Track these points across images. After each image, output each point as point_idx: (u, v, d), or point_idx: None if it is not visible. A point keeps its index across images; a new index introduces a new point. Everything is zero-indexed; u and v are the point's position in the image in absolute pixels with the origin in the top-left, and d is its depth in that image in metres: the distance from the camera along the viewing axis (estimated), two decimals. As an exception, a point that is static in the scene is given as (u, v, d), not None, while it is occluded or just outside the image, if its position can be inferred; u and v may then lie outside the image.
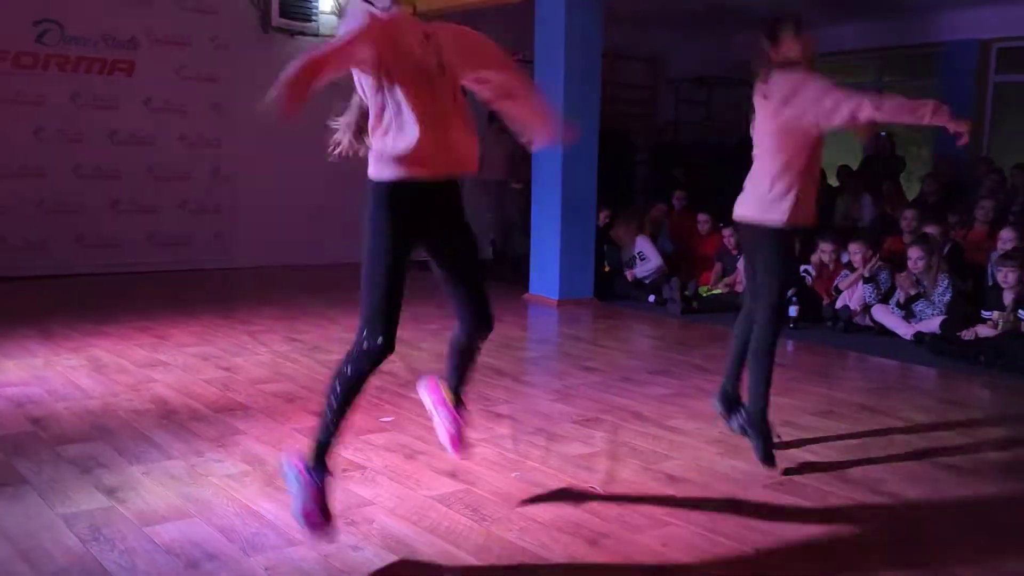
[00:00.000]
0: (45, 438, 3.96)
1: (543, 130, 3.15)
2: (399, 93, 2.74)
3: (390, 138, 2.76)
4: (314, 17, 9.53)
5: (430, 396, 3.32)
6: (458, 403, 3.30)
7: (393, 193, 2.79)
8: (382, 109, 2.77)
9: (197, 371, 5.22)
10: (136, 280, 8.61)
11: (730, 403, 4.15)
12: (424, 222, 2.87)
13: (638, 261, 8.42)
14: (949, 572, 2.91)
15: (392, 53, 2.71)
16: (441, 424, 3.25)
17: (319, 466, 2.84)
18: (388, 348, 2.78)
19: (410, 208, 2.81)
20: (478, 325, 3.11)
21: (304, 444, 3.10)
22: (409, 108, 2.73)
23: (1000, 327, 6.07)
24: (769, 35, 3.84)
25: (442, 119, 2.80)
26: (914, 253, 6.64)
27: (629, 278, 8.36)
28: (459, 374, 3.30)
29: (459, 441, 3.24)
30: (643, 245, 8.43)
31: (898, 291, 6.80)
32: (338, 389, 2.79)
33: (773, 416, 4.19)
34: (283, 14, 9.22)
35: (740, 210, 3.93)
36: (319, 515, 2.81)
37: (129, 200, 9.06)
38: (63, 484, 3.43)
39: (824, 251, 7.46)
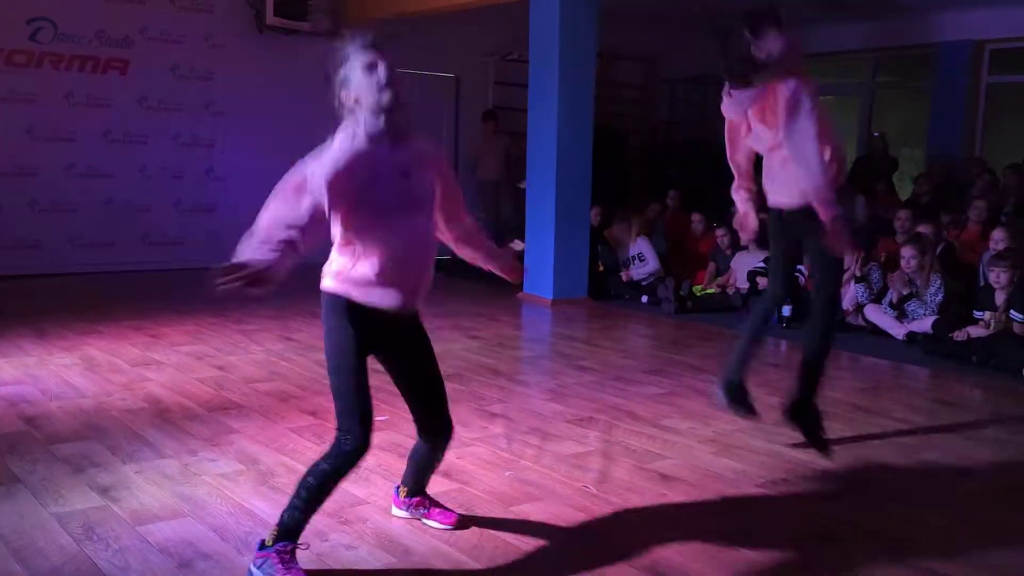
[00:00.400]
0: (38, 437, 3.95)
1: (505, 272, 3.11)
2: (352, 226, 2.67)
3: (346, 263, 2.71)
4: (310, 16, 9.51)
5: (407, 512, 3.23)
6: (419, 493, 3.20)
7: (350, 309, 2.74)
8: (338, 227, 2.70)
9: (191, 370, 5.22)
10: (130, 279, 8.60)
11: (743, 392, 4.15)
12: (381, 337, 2.83)
13: (636, 262, 8.39)
14: (940, 570, 2.93)
15: (340, 203, 2.62)
16: (435, 521, 3.18)
17: (281, 536, 2.73)
18: (364, 449, 2.74)
19: (368, 324, 2.76)
20: (437, 433, 3.02)
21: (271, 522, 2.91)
22: (365, 243, 2.67)
23: (992, 327, 6.09)
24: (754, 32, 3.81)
25: (406, 252, 2.73)
26: (907, 252, 6.66)
27: (624, 279, 8.35)
28: (419, 476, 3.18)
29: (454, 517, 3.17)
30: (643, 247, 8.36)
31: (891, 291, 6.82)
32: (312, 482, 2.74)
33: (767, 415, 4.23)
34: (278, 13, 9.20)
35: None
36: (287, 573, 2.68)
37: (122, 199, 9.04)
38: (56, 483, 3.43)
39: None
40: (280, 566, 2.67)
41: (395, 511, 3.25)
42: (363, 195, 2.64)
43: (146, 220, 9.17)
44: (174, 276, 8.86)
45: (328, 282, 2.78)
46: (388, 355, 2.93)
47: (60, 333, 6.04)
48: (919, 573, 2.91)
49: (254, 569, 2.71)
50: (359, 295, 2.72)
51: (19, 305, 7.10)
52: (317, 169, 2.62)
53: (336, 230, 2.70)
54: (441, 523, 3.14)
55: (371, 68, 2.63)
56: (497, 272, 3.11)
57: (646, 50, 11.93)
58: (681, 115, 12.43)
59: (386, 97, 2.62)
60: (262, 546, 2.72)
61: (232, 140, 9.48)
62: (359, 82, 2.64)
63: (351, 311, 2.73)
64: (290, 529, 2.73)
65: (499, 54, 10.99)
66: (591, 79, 7.97)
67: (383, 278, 2.70)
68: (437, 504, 3.20)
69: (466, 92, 11.10)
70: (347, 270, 2.72)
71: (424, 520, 3.17)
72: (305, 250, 2.62)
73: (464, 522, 3.16)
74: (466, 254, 3.09)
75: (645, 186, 11.66)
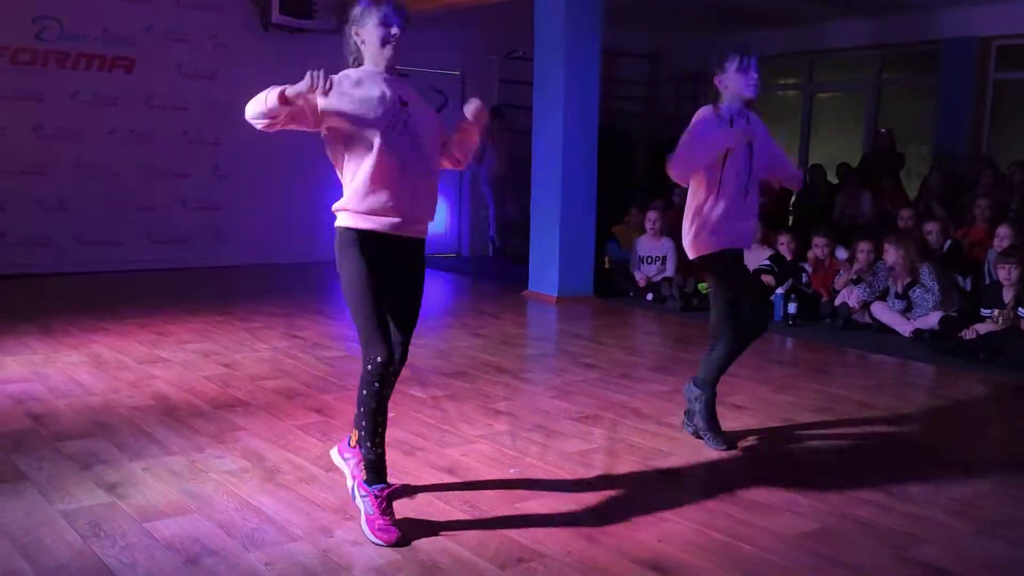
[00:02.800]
0: (45, 434, 3.97)
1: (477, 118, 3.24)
2: (357, 155, 2.98)
3: (355, 192, 2.99)
4: (315, 15, 9.53)
5: (343, 460, 3.26)
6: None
7: (359, 238, 2.99)
8: (344, 162, 3.02)
9: (197, 368, 5.24)
10: (136, 277, 8.63)
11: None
12: (386, 263, 3.03)
13: (647, 263, 8.27)
14: (945, 568, 2.92)
15: (339, 122, 2.93)
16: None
17: (372, 478, 3.04)
18: (389, 362, 2.97)
19: (376, 250, 2.99)
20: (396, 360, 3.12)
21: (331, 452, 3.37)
22: (369, 168, 2.96)
23: (1000, 324, 6.08)
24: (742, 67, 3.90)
25: (403, 172, 2.99)
26: (885, 247, 6.72)
27: (642, 283, 8.19)
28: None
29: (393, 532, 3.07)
30: (668, 249, 8.28)
31: (895, 283, 6.80)
32: (362, 410, 3.01)
33: (772, 413, 4.22)
34: (283, 11, 9.22)
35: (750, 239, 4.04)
36: (384, 523, 2.96)
37: (129, 198, 9.07)
38: (63, 480, 3.44)
39: (818, 245, 7.45)
40: (377, 509, 2.97)
41: (333, 454, 3.32)
42: (363, 104, 2.93)
43: (152, 218, 9.20)
44: (180, 274, 8.89)
45: (339, 219, 3.05)
46: (386, 279, 3.08)
47: (67, 331, 6.06)
48: (923, 571, 2.91)
49: (356, 493, 3.06)
50: (364, 222, 2.98)
51: (26, 303, 7.12)
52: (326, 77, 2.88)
53: (341, 157, 3.00)
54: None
55: (377, 9, 2.98)
56: (474, 125, 3.21)
57: (651, 47, 11.93)
58: (687, 112, 12.36)
59: (384, 32, 2.98)
60: (365, 481, 3.03)
61: (237, 138, 9.50)
62: (365, 23, 3.00)
63: (359, 240, 2.98)
64: (372, 462, 3.02)
65: (504, 52, 10.99)
66: (596, 76, 7.97)
67: (384, 200, 2.96)
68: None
69: (471, 90, 11.09)
70: (352, 201, 2.99)
71: (350, 481, 3.18)
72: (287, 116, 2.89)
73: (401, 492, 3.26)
74: (455, 153, 3.28)
75: (651, 183, 11.65)
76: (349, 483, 3.17)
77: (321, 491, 3.39)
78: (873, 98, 11.66)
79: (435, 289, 7.88)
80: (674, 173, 3.93)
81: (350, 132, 2.96)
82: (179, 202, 9.34)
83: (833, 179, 10.34)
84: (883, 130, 10.79)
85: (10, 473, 3.50)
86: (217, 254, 9.47)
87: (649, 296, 8.07)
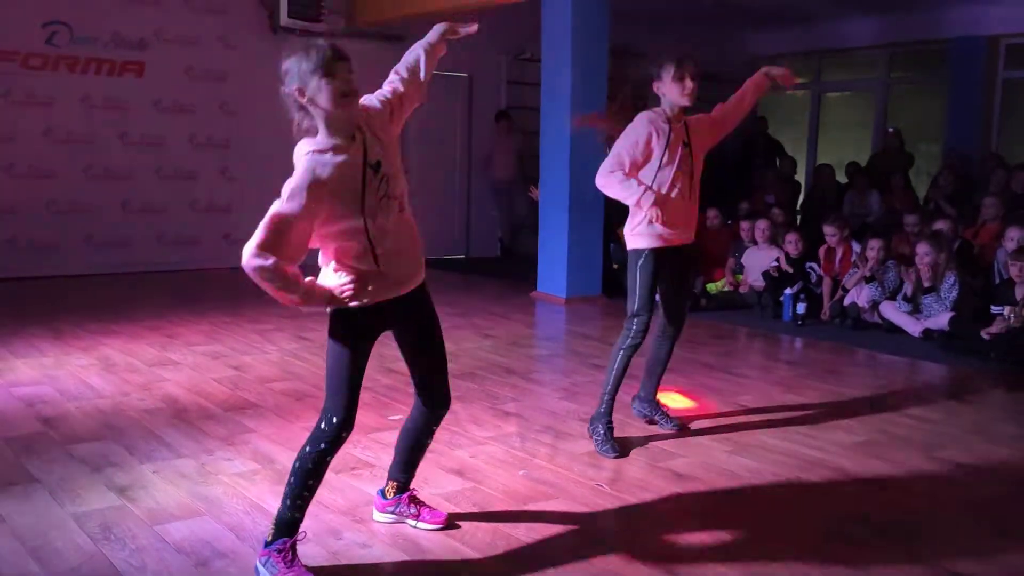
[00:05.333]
0: (56, 437, 3.99)
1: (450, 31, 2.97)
2: (334, 241, 2.63)
3: (346, 275, 2.65)
4: (323, 17, 9.56)
5: (392, 516, 3.16)
6: (405, 490, 3.14)
7: (355, 314, 2.69)
8: (335, 246, 2.66)
9: (207, 370, 5.25)
10: (145, 280, 8.66)
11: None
12: (385, 319, 2.77)
13: None
14: (955, 568, 2.91)
15: (320, 218, 2.55)
16: (425, 523, 3.12)
17: (275, 535, 2.72)
18: (344, 428, 2.71)
19: (371, 316, 2.71)
20: (435, 402, 2.98)
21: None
22: (353, 256, 2.63)
23: (1011, 322, 6.04)
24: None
25: (389, 249, 2.67)
26: (921, 249, 6.62)
27: None
28: (408, 465, 3.12)
29: (443, 516, 3.14)
30: None
31: (906, 284, 6.76)
32: (296, 466, 2.73)
33: (782, 413, 4.21)
34: (292, 14, 9.26)
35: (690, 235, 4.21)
36: (295, 573, 2.68)
37: (138, 200, 9.10)
38: (74, 483, 3.45)
39: (828, 233, 7.41)
40: (282, 564, 2.68)
41: (377, 516, 3.16)
42: (343, 199, 2.55)
43: (162, 221, 9.23)
44: (190, 276, 8.92)
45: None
46: (397, 329, 2.89)
47: (77, 334, 6.08)
48: (936, 572, 2.89)
49: (259, 566, 2.72)
50: (361, 298, 2.66)
51: (36, 306, 7.15)
52: (295, 199, 2.52)
53: (324, 245, 2.65)
54: (431, 523, 3.09)
55: (317, 54, 2.48)
56: (446, 34, 2.95)
57: (660, 47, 11.90)
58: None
59: (337, 84, 2.48)
60: (266, 544, 2.72)
61: (246, 140, 9.52)
62: (309, 79, 2.49)
63: (356, 315, 2.69)
64: (285, 522, 2.71)
65: (512, 53, 10.99)
66: (604, 77, 7.96)
67: (377, 276, 2.66)
68: (424, 504, 3.15)
69: (479, 92, 11.11)
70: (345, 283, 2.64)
71: (410, 522, 3.11)
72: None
73: (451, 521, 3.13)
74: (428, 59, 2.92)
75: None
76: (410, 522, 3.09)
77: (330, 493, 3.39)
78: (882, 97, 11.63)
79: (443, 290, 7.87)
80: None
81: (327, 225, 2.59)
82: (189, 204, 9.38)
83: (842, 178, 10.32)
84: (891, 130, 10.76)
85: (21, 476, 3.51)
86: (226, 256, 9.49)
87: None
